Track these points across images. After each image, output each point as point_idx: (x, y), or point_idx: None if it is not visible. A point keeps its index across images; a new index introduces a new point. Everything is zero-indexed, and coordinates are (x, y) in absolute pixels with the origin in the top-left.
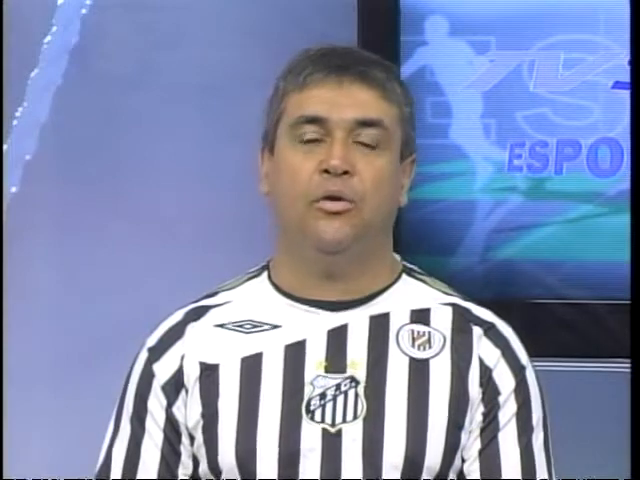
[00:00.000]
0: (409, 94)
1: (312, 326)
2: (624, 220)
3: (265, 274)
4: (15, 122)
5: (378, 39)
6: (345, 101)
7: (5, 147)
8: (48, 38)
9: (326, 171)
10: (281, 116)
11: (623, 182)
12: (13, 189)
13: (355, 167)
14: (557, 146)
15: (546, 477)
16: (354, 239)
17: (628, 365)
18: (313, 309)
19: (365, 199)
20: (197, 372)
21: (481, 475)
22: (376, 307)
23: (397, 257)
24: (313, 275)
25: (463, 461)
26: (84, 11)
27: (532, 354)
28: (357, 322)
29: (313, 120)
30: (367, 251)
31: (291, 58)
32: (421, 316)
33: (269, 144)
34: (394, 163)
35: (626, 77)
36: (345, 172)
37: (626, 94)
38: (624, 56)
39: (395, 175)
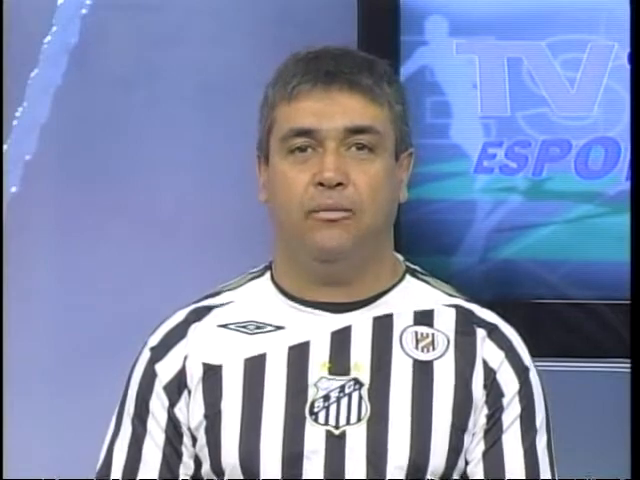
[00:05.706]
0: (401, 91)
1: (316, 328)
2: (624, 220)
3: (268, 274)
4: (15, 122)
5: (378, 39)
6: (334, 110)
7: (5, 147)
8: (48, 38)
9: (320, 184)
10: (272, 127)
11: (619, 183)
12: (13, 189)
13: (349, 176)
14: (548, 145)
15: (549, 479)
16: (353, 246)
17: (628, 365)
18: (316, 311)
19: (363, 208)
20: (200, 373)
21: (485, 477)
22: (379, 308)
23: (400, 257)
24: (314, 281)
25: (467, 463)
26: (84, 11)
27: (532, 354)
28: (360, 324)
29: (303, 132)
30: (367, 255)
31: (280, 63)
32: (425, 317)
33: (264, 154)
34: (389, 165)
35: (626, 77)
36: (339, 184)
37: (626, 94)
38: (624, 56)
39: (391, 176)
